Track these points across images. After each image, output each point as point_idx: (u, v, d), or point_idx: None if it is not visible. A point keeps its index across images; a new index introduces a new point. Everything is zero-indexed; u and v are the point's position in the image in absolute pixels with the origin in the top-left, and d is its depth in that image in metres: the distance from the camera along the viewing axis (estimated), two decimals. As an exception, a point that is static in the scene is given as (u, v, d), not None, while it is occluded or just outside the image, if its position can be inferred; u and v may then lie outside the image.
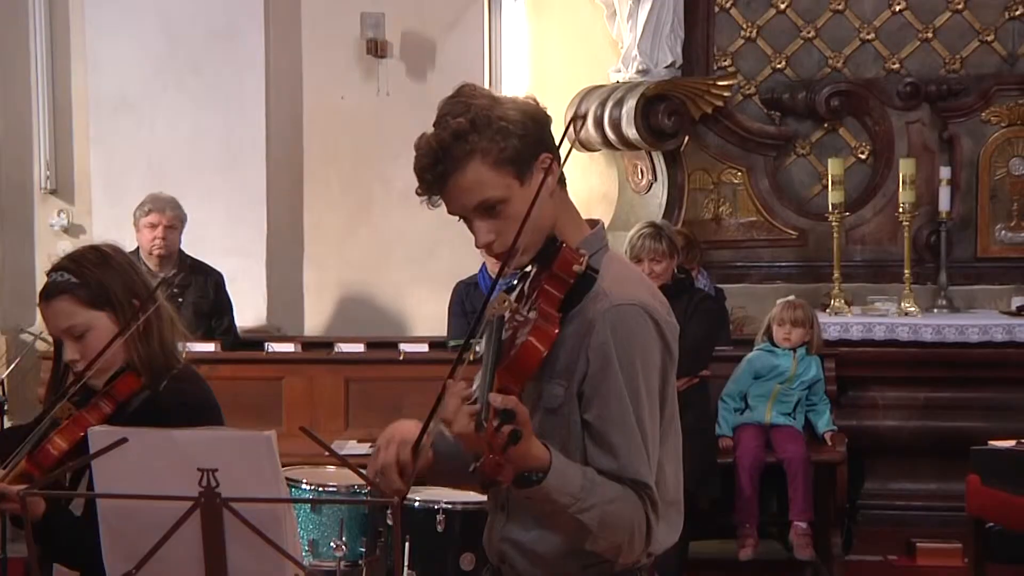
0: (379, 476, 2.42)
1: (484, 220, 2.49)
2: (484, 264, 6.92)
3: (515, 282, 2.60)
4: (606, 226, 2.70)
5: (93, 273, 3.01)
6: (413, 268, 8.11)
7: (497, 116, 2.46)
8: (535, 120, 2.51)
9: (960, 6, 8.02)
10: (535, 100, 2.57)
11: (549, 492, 2.32)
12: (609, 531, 2.40)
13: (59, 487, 2.86)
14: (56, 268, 3.06)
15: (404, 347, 7.03)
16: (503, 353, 2.35)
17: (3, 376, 5.78)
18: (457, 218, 2.55)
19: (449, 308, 7.11)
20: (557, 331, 2.39)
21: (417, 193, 2.53)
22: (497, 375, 2.28)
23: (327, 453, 2.50)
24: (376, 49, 7.97)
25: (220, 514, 2.27)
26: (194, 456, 2.26)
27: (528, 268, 2.56)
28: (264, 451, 2.26)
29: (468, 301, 6.98)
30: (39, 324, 7.56)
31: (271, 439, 2.26)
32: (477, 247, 2.52)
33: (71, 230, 8.00)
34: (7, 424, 5.80)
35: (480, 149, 2.45)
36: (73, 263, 3.05)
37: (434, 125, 2.49)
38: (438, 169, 2.47)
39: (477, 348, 2.42)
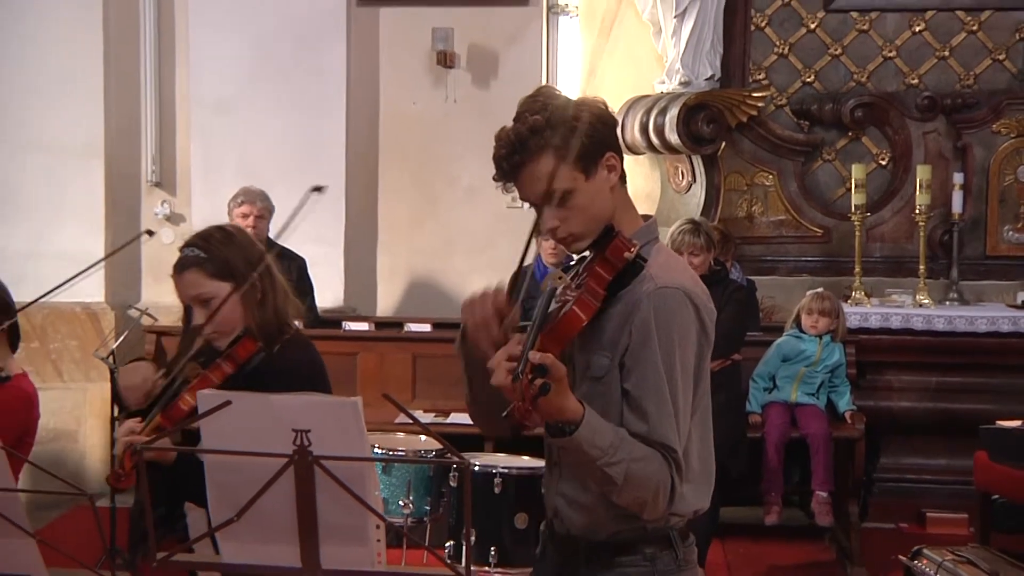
0: (478, 332, 2.40)
1: (551, 208, 2.50)
2: (539, 254, 6.92)
3: (571, 264, 2.60)
4: (649, 223, 2.69)
5: (219, 249, 3.07)
6: (475, 257, 8.12)
7: (571, 116, 2.45)
8: (604, 122, 2.50)
9: (975, 27, 7.95)
10: (604, 103, 2.55)
11: (580, 444, 2.32)
12: (633, 486, 2.38)
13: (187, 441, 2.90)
14: (187, 244, 3.12)
15: (466, 328, 7.03)
16: (550, 319, 2.35)
17: (113, 347, 5.83)
18: (527, 205, 2.55)
19: (507, 293, 7.11)
20: (599, 305, 2.39)
21: (494, 179, 2.54)
22: (540, 338, 2.28)
23: (409, 420, 2.52)
24: (445, 60, 8.00)
25: (311, 470, 2.27)
26: (289, 418, 2.27)
27: (585, 253, 2.56)
28: (351, 415, 2.26)
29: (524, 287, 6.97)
30: (145, 300, 7.65)
31: (358, 404, 2.26)
32: (543, 231, 2.52)
33: (172, 218, 8.06)
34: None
35: (553, 145, 2.44)
36: (202, 240, 3.11)
37: (514, 120, 2.49)
38: (514, 159, 2.47)
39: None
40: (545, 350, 2.24)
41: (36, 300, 3.65)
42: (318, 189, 3.09)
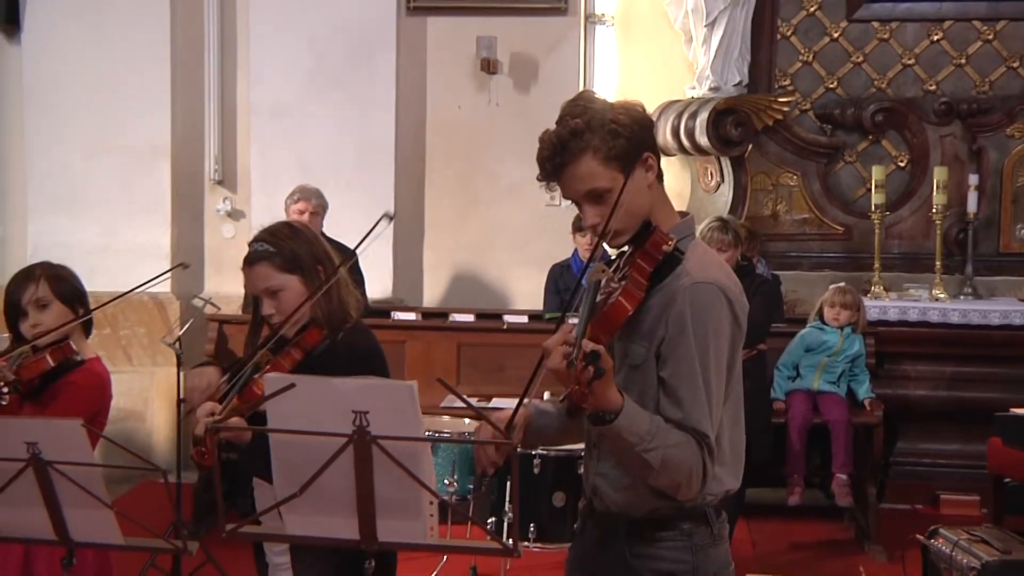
0: (479, 453, 2.47)
1: (592, 206, 2.49)
2: (576, 249, 6.92)
3: (612, 258, 2.60)
4: (680, 221, 2.68)
5: (286, 244, 3.08)
6: (515, 252, 8.12)
7: (609, 119, 2.45)
8: (641, 124, 2.49)
9: (990, 36, 7.86)
10: (642, 107, 2.54)
11: (619, 431, 2.32)
12: (669, 470, 2.38)
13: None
14: (256, 239, 3.12)
15: (507, 318, 7.05)
16: (596, 310, 2.36)
17: (179, 334, 5.87)
18: (564, 204, 2.56)
19: (545, 286, 7.12)
20: (643, 295, 2.39)
21: (538, 179, 2.54)
22: (590, 327, 2.28)
23: (454, 404, 2.53)
24: (488, 67, 8.00)
25: (370, 449, 2.29)
26: (349, 400, 2.28)
27: (624, 248, 2.56)
28: (407, 397, 2.27)
29: (561, 280, 6.98)
30: (208, 291, 7.71)
31: (413, 388, 2.27)
32: (585, 227, 2.53)
33: (233, 214, 8.10)
34: (182, 374, 5.90)
35: (592, 146, 2.44)
36: (270, 236, 3.11)
37: (556, 123, 2.49)
38: (556, 160, 2.47)
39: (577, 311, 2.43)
40: (595, 338, 2.25)
41: (114, 300, 3.67)
42: (390, 217, 3.12)
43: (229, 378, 2.98)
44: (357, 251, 3.02)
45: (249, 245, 3.12)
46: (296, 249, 3.08)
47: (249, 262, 3.10)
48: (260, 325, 3.14)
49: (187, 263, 3.55)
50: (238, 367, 2.98)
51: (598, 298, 2.37)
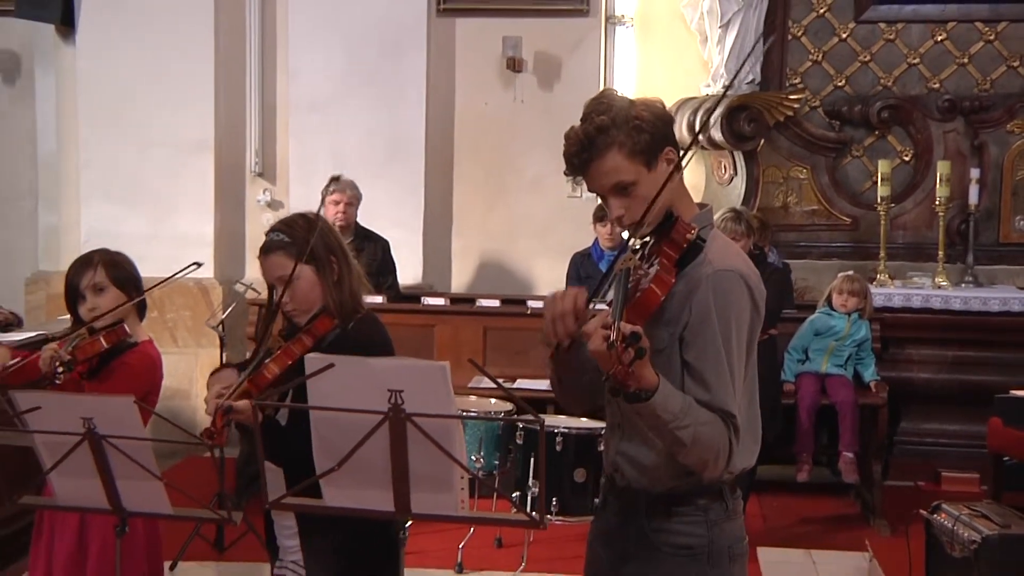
0: (555, 322, 2.32)
1: (617, 198, 2.47)
2: (596, 238, 6.91)
3: (636, 247, 2.59)
4: (695, 212, 2.66)
5: (301, 234, 3.05)
6: (538, 240, 8.11)
7: (633, 115, 2.43)
8: (663, 120, 2.48)
9: (992, 37, 7.79)
10: (662, 103, 2.52)
11: (654, 408, 2.29)
12: (699, 448, 2.36)
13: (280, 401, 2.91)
14: (273, 229, 3.10)
15: (531, 303, 7.03)
16: (629, 296, 2.34)
17: (222, 317, 5.90)
18: (585, 195, 2.54)
19: (567, 273, 7.11)
20: (673, 281, 2.37)
21: (565, 174, 2.52)
22: (625, 312, 2.27)
23: (482, 384, 2.53)
24: (514, 65, 7.98)
25: (404, 426, 2.29)
26: (385, 379, 2.28)
27: (647, 238, 2.55)
28: (440, 377, 2.28)
29: (582, 268, 6.96)
30: (249, 277, 7.74)
31: (446, 368, 2.27)
32: (610, 219, 2.50)
33: (272, 204, 8.11)
34: (225, 354, 5.93)
35: (618, 142, 2.42)
36: (286, 226, 3.09)
37: (581, 120, 2.46)
38: (583, 156, 2.45)
39: (608, 296, 2.41)
40: (631, 322, 2.23)
41: (161, 283, 3.68)
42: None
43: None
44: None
45: (266, 235, 3.10)
46: (310, 240, 3.03)
47: (265, 251, 3.08)
48: (274, 312, 3.10)
49: (201, 261, 3.63)
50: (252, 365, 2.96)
51: (629, 284, 2.35)
